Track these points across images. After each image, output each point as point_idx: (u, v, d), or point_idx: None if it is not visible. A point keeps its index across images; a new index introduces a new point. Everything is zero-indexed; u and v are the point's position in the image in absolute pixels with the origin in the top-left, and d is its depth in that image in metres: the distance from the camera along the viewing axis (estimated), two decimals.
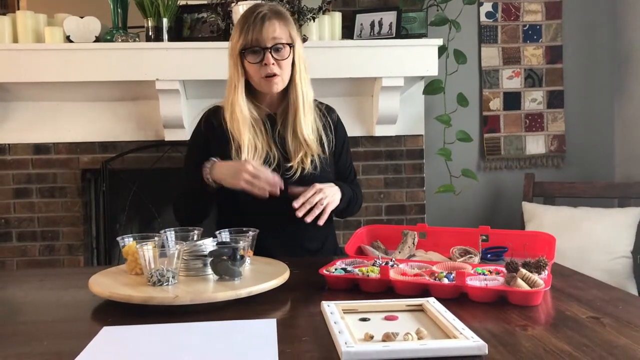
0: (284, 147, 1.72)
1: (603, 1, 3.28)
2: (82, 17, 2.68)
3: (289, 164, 1.70)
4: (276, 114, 1.75)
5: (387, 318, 1.07)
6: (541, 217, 2.87)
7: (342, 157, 1.86)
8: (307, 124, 1.72)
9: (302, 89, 1.70)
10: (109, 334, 1.05)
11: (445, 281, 1.22)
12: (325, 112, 1.83)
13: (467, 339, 0.92)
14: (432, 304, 1.11)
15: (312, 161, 1.71)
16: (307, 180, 1.69)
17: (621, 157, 3.29)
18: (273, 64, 1.64)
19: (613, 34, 3.28)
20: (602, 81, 3.31)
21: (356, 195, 1.86)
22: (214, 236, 1.42)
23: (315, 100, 1.80)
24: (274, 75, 1.65)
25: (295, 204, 1.57)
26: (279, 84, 1.68)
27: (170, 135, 2.82)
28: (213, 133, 1.75)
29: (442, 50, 2.84)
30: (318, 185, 1.62)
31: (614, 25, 3.28)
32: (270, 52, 1.63)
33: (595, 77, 3.30)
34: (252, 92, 1.73)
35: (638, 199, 2.87)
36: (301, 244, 1.76)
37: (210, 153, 1.74)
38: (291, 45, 1.67)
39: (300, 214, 1.57)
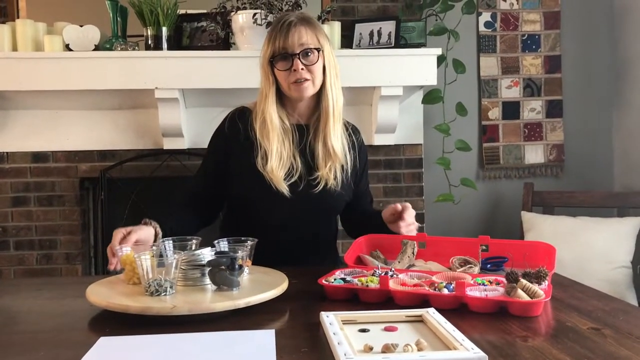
0: (312, 158, 1.70)
1: (601, 11, 3.29)
2: (81, 26, 2.68)
3: (315, 174, 1.68)
4: (308, 125, 1.74)
5: (386, 329, 1.06)
6: (540, 227, 2.87)
7: (362, 180, 1.85)
8: (337, 133, 1.71)
9: (333, 95, 1.69)
10: (106, 344, 1.04)
11: (445, 291, 1.22)
12: (352, 132, 1.81)
13: (467, 350, 0.91)
14: (432, 314, 1.10)
15: (335, 178, 1.70)
16: (328, 194, 1.69)
17: (620, 166, 3.29)
18: (302, 69, 1.63)
19: (611, 43, 3.29)
20: (600, 91, 3.31)
21: None
22: (212, 246, 1.41)
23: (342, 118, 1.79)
24: (304, 80, 1.64)
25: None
26: (309, 89, 1.66)
27: (169, 144, 2.82)
28: (237, 136, 1.72)
29: (441, 59, 2.85)
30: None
31: (612, 35, 3.29)
32: (299, 58, 1.63)
33: (594, 87, 3.31)
34: (283, 101, 1.72)
35: (637, 208, 2.87)
36: (305, 256, 1.74)
37: (230, 157, 1.73)
38: (319, 50, 1.66)
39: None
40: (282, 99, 1.71)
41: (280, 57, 1.64)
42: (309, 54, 1.64)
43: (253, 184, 1.67)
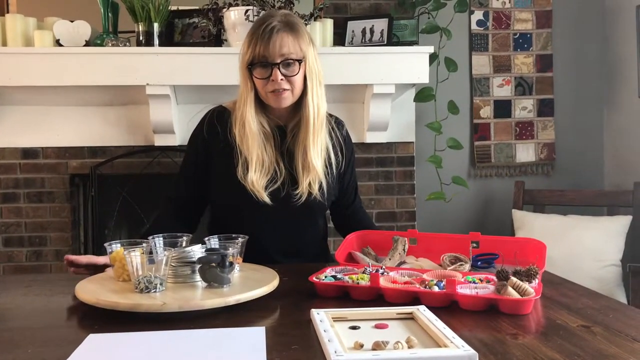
0: (291, 164, 1.66)
1: (592, 10, 3.30)
2: (72, 21, 2.66)
3: (296, 189, 1.63)
4: (287, 127, 1.68)
5: (377, 326, 1.06)
6: (531, 225, 2.88)
7: (347, 174, 1.80)
8: (317, 145, 1.64)
9: (314, 104, 1.61)
10: (94, 341, 1.03)
11: (436, 289, 1.22)
12: (335, 127, 1.75)
13: (458, 348, 0.91)
14: (423, 312, 1.10)
15: (319, 186, 1.65)
16: (312, 205, 1.66)
17: (610, 165, 3.31)
18: (281, 79, 1.56)
19: (603, 43, 3.31)
20: (591, 90, 3.33)
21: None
22: (203, 243, 1.41)
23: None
24: (283, 90, 1.58)
25: None
26: (288, 99, 1.60)
27: (160, 141, 2.81)
28: (216, 139, 1.67)
29: (433, 57, 2.85)
30: None
31: (603, 35, 3.30)
32: (279, 68, 1.56)
33: (585, 86, 3.33)
34: (263, 104, 1.65)
35: (627, 207, 2.89)
36: (294, 259, 1.73)
37: (210, 162, 1.69)
38: (301, 61, 1.58)
39: None
40: (261, 102, 1.65)
41: (260, 64, 1.57)
42: (290, 64, 1.57)
43: (234, 192, 1.63)
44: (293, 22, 1.61)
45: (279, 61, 1.56)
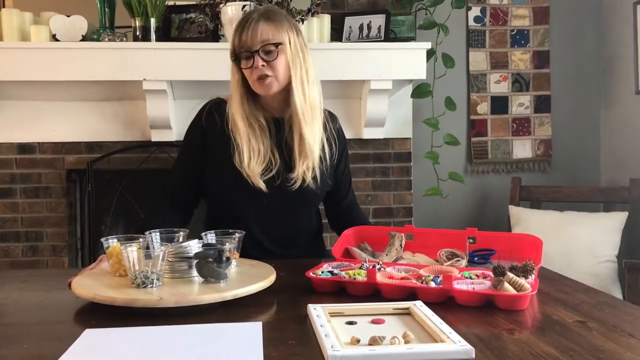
0: (289, 154, 1.67)
1: (589, 7, 3.31)
2: (68, 16, 2.65)
3: (291, 175, 1.65)
4: (283, 119, 1.70)
5: (374, 321, 1.06)
6: (527, 221, 2.88)
7: (340, 166, 1.82)
8: (313, 131, 1.66)
9: (299, 91, 1.62)
10: (91, 336, 1.03)
11: (432, 285, 1.22)
12: (328, 119, 1.77)
13: (454, 343, 0.92)
14: (419, 307, 1.10)
15: (313, 175, 1.67)
16: (306, 189, 1.67)
17: (607, 161, 3.32)
18: (263, 65, 1.58)
19: (599, 39, 3.31)
20: (588, 86, 3.33)
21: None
22: (200, 238, 1.41)
23: None
24: (266, 76, 1.60)
25: None
26: (272, 85, 1.61)
27: (157, 136, 2.80)
28: (214, 129, 1.69)
29: (430, 54, 2.85)
30: None
31: (600, 31, 3.31)
32: (259, 55, 1.59)
33: (581, 82, 3.33)
34: (256, 97, 1.68)
35: (623, 203, 2.89)
36: (288, 250, 1.74)
37: (207, 150, 1.70)
38: (277, 45, 1.59)
39: None
40: (254, 94, 1.67)
41: (243, 55, 1.61)
42: (270, 51, 1.59)
43: (229, 179, 1.65)
44: (271, 11, 1.66)
45: (258, 48, 1.59)
